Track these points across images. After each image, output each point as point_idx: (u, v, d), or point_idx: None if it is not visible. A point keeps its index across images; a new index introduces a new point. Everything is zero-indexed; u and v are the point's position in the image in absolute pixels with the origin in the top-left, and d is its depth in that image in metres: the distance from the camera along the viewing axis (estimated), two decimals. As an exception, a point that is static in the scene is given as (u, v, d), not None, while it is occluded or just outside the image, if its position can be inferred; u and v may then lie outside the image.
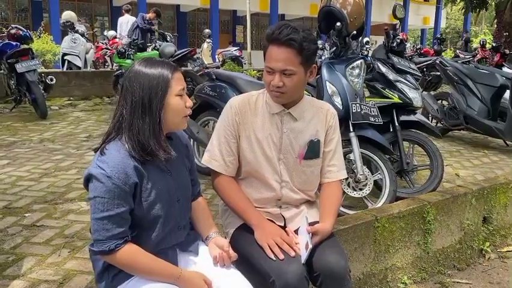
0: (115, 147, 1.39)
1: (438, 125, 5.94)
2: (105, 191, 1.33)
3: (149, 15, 9.08)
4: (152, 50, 8.01)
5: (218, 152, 1.79)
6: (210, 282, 1.46)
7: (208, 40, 13.48)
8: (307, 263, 1.59)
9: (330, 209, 1.79)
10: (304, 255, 1.57)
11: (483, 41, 13.46)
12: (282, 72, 1.65)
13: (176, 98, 1.43)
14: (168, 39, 8.56)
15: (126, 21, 10.47)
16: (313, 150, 1.81)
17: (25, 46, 6.48)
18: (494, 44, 11.85)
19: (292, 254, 1.58)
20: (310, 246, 1.56)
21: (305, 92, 3.35)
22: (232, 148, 1.79)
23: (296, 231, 1.73)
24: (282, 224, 1.79)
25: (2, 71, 6.88)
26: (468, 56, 12.37)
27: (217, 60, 13.49)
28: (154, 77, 1.39)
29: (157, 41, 8.28)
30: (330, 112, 1.87)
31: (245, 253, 1.65)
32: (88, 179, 1.36)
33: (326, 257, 1.61)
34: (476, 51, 13.48)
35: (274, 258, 1.56)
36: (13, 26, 7.02)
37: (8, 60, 6.13)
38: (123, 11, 11.16)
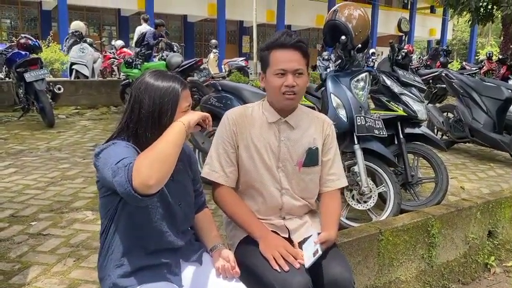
0: (122, 141, 1.43)
1: (444, 137, 5.93)
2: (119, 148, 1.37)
3: (156, 31, 9.08)
4: (159, 60, 8.07)
5: (217, 163, 1.81)
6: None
7: (214, 50, 13.60)
8: (312, 274, 1.59)
9: (332, 217, 1.82)
10: (311, 259, 1.58)
11: (490, 54, 13.44)
12: (294, 73, 1.72)
13: (181, 114, 1.45)
14: (175, 50, 8.62)
15: (145, 31, 10.44)
16: (312, 158, 1.84)
17: (34, 56, 6.56)
18: (500, 57, 11.82)
19: (297, 265, 1.59)
20: (320, 252, 1.58)
21: (310, 103, 3.40)
22: (231, 158, 1.81)
23: (300, 243, 1.74)
24: (287, 236, 1.80)
25: (11, 80, 6.97)
26: (474, 68, 12.36)
27: (223, 71, 13.57)
28: (165, 93, 1.43)
29: (164, 51, 8.35)
30: (326, 122, 1.92)
31: (250, 265, 1.66)
32: (98, 153, 1.39)
33: (330, 269, 1.62)
34: (482, 64, 13.46)
35: (279, 270, 1.57)
36: (23, 35, 7.11)
37: (17, 70, 6.19)
38: (141, 20, 10.97)
